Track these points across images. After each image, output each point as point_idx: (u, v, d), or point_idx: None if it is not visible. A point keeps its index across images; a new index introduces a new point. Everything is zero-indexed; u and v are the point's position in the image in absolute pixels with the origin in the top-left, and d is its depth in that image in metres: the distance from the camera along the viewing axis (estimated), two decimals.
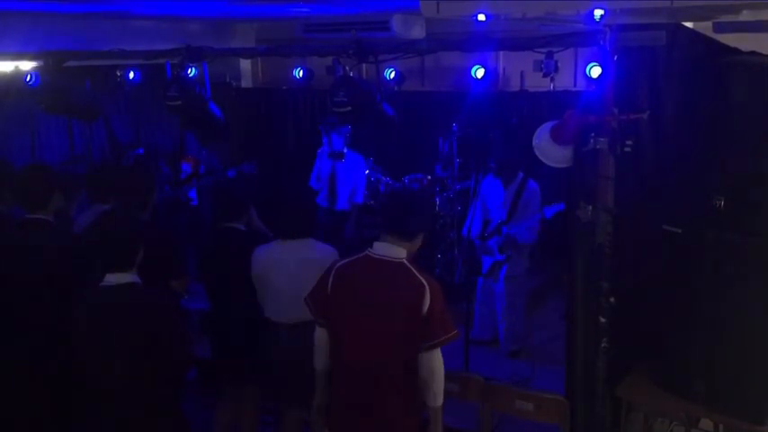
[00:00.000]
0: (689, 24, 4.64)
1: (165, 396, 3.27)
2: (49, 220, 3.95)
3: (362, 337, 3.17)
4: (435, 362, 3.15)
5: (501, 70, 7.98)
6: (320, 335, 3.35)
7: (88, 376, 3.22)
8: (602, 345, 3.63)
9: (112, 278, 3.19)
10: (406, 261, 3.18)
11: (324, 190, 7.28)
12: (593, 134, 3.44)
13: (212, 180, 7.55)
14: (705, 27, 5.17)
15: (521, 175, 5.75)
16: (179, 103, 5.31)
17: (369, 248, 3.23)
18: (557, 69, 4.38)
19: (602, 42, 3.46)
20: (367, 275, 3.20)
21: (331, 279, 3.24)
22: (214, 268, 4.25)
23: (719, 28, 5.36)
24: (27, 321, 3.74)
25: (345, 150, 7.15)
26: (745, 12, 5.25)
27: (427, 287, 3.09)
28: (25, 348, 3.75)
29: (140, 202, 4.26)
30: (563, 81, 6.94)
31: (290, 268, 3.90)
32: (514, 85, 7.89)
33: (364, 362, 3.18)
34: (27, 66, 5.95)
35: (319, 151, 7.40)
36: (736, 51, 3.75)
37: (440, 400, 3.20)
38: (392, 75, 7.83)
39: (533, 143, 3.74)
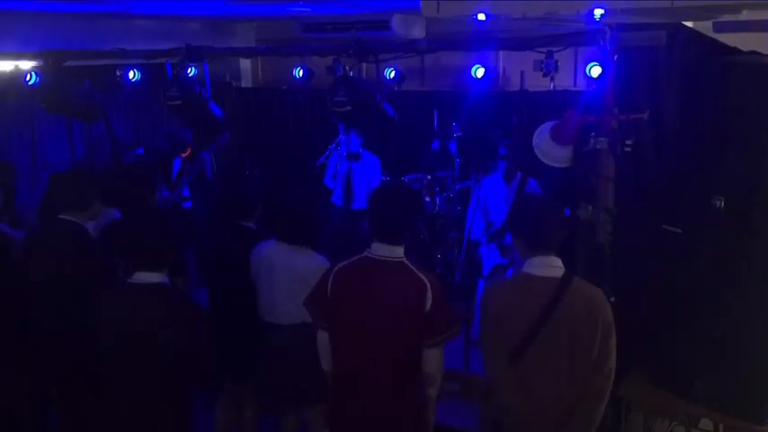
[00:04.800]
0: (689, 24, 4.65)
1: (177, 399, 3.21)
2: (83, 224, 3.92)
3: (366, 338, 3.15)
4: (440, 356, 3.19)
5: (501, 70, 7.98)
6: (322, 338, 3.32)
7: (104, 373, 3.20)
8: None
9: (141, 276, 3.15)
10: (405, 260, 3.18)
11: (339, 189, 7.23)
12: (593, 134, 3.45)
13: (198, 169, 7.35)
14: (705, 27, 5.17)
15: (519, 174, 5.75)
16: (179, 103, 5.31)
17: (367, 249, 3.21)
18: (557, 69, 4.37)
19: (602, 42, 3.46)
20: (368, 277, 3.18)
21: (330, 282, 3.21)
22: (225, 267, 4.15)
23: (719, 28, 5.36)
24: (50, 320, 3.77)
25: (361, 151, 7.12)
26: (745, 11, 5.25)
27: (428, 285, 3.09)
28: (48, 347, 3.78)
29: (142, 203, 4.25)
30: (563, 81, 6.93)
31: (275, 270, 3.85)
32: (514, 85, 7.87)
33: (368, 362, 3.17)
34: (27, 66, 5.95)
35: (333, 150, 7.35)
36: (736, 51, 3.76)
37: (437, 390, 3.29)
38: (392, 74, 7.82)
39: (533, 143, 3.74)
